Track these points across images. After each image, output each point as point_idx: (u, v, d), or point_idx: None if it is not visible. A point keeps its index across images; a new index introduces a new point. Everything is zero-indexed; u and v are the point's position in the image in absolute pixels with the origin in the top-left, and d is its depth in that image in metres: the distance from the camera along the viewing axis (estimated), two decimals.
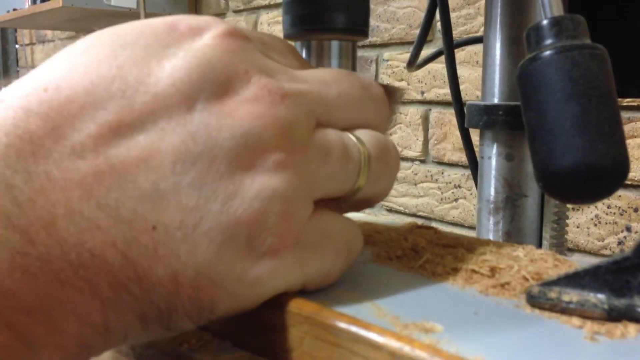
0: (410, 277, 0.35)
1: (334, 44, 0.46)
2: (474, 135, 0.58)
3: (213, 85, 0.27)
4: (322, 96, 0.30)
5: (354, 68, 0.48)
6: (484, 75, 0.55)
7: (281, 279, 0.28)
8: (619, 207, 0.92)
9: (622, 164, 0.31)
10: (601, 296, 0.27)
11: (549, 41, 0.33)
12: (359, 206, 0.34)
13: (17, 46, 3.44)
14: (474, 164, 0.60)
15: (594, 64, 0.31)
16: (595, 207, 0.94)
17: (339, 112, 0.31)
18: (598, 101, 0.31)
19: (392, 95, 0.39)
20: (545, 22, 0.33)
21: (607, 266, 0.27)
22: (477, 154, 0.57)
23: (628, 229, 0.91)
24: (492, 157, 0.54)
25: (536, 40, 0.33)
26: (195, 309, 0.26)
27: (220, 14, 1.80)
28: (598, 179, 0.31)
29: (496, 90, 0.54)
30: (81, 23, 2.32)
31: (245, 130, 0.26)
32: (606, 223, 0.93)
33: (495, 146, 0.54)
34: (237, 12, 1.74)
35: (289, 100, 0.28)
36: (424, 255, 0.38)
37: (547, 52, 0.32)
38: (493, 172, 0.55)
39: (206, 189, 0.26)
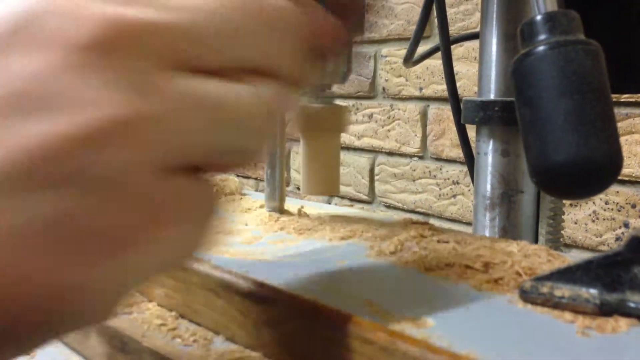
0: (404, 272, 0.35)
1: None
2: (471, 131, 0.58)
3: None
4: (184, 29, 0.22)
5: (349, 62, 0.48)
6: (480, 71, 0.55)
7: (128, 276, 0.22)
8: (617, 203, 0.92)
9: (615, 159, 0.31)
10: (593, 291, 0.27)
11: (542, 37, 0.32)
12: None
13: None
14: (470, 160, 0.60)
15: (588, 59, 0.31)
16: (593, 203, 0.94)
17: (214, 50, 0.22)
18: (591, 97, 0.31)
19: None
20: (538, 17, 0.33)
21: (599, 261, 0.27)
22: (474, 150, 0.57)
23: (626, 225, 0.91)
24: (488, 153, 0.54)
25: (530, 36, 0.33)
26: (31, 328, 0.21)
27: None
28: (591, 174, 0.31)
29: (492, 86, 0.54)
30: None
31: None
32: (604, 219, 0.93)
33: (491, 142, 0.54)
34: None
35: (131, 40, 0.20)
36: (418, 250, 0.38)
37: (541, 48, 0.32)
38: (489, 168, 0.55)
39: None
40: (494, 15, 0.53)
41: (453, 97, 0.62)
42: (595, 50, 0.32)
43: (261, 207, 0.54)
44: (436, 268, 0.35)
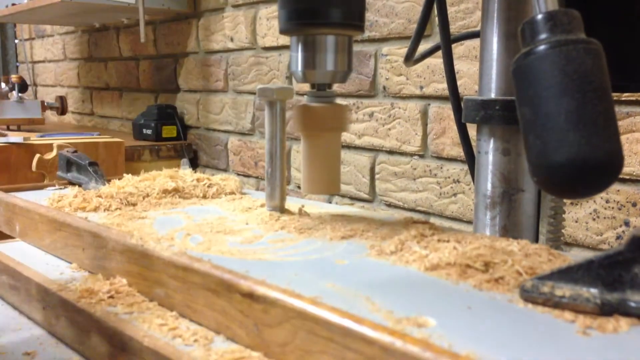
0: (404, 271, 0.35)
1: (330, 39, 0.46)
2: (472, 130, 0.58)
3: None
4: None
5: (350, 62, 0.48)
6: (481, 70, 0.55)
7: None
8: (618, 202, 0.92)
9: (617, 158, 0.31)
10: (594, 290, 0.27)
11: (543, 36, 0.32)
12: None
13: (16, 41, 3.44)
14: (471, 159, 0.60)
15: (589, 58, 0.31)
16: (594, 201, 0.94)
17: None
18: (592, 96, 0.31)
19: None
20: (539, 16, 0.33)
21: (600, 260, 0.27)
22: (475, 149, 0.57)
23: (626, 224, 0.91)
24: (489, 152, 0.54)
25: (531, 35, 0.33)
26: None
27: (219, 9, 1.80)
28: (592, 173, 0.31)
29: (493, 85, 0.54)
30: (80, 18, 2.32)
31: None
32: (605, 218, 0.93)
33: (492, 141, 0.54)
34: (236, 7, 1.74)
35: None
36: (418, 250, 0.38)
37: (542, 47, 0.32)
38: (490, 167, 0.55)
39: None
40: (495, 14, 0.53)
41: (454, 95, 0.62)
42: (596, 49, 0.32)
43: (262, 206, 0.54)
44: (437, 267, 0.35)
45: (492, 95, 0.54)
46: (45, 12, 2.14)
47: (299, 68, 0.47)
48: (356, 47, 1.39)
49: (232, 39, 1.78)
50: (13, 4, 2.34)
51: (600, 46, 0.32)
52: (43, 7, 2.02)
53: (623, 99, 0.88)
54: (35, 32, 3.10)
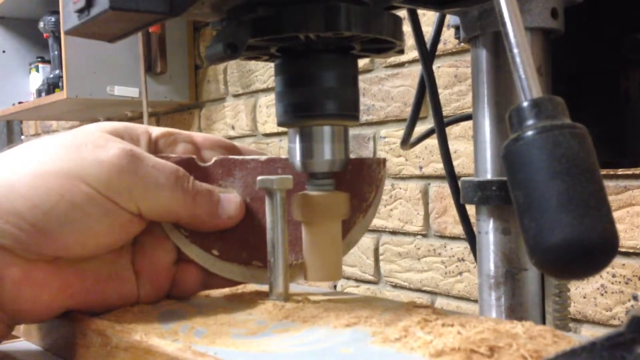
0: (409, 359, 0.35)
1: (326, 129, 0.47)
2: (472, 209, 0.59)
3: None
4: None
5: (347, 150, 0.49)
6: (475, 152, 0.56)
7: None
8: (624, 276, 0.91)
9: (611, 238, 0.32)
10: None
11: (530, 122, 0.34)
12: None
13: (22, 137, 3.51)
14: (472, 239, 0.61)
15: (575, 142, 0.32)
16: (600, 276, 0.94)
17: None
18: (582, 178, 0.32)
19: None
20: (525, 103, 0.35)
21: (602, 342, 0.27)
22: (475, 229, 0.57)
23: (635, 298, 0.90)
24: (489, 232, 0.55)
25: (518, 122, 0.34)
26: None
27: (220, 99, 1.85)
28: (588, 253, 0.32)
29: (488, 166, 0.55)
30: (85, 113, 2.38)
31: None
32: (612, 292, 0.92)
33: (491, 221, 0.55)
34: (236, 96, 1.79)
35: None
36: (422, 335, 0.38)
37: (529, 133, 0.33)
38: (491, 247, 0.55)
39: None
40: (485, 99, 0.55)
41: (451, 177, 0.63)
42: (581, 132, 0.33)
43: (266, 295, 0.54)
44: (442, 354, 0.35)
45: (488, 176, 0.55)
46: (51, 108, 2.20)
47: (297, 159, 0.48)
48: (355, 130, 1.42)
49: (233, 127, 1.82)
50: (20, 102, 2.41)
51: (585, 130, 0.33)
52: (49, 104, 2.08)
53: (620, 173, 0.89)
54: (41, 128, 3.16)
